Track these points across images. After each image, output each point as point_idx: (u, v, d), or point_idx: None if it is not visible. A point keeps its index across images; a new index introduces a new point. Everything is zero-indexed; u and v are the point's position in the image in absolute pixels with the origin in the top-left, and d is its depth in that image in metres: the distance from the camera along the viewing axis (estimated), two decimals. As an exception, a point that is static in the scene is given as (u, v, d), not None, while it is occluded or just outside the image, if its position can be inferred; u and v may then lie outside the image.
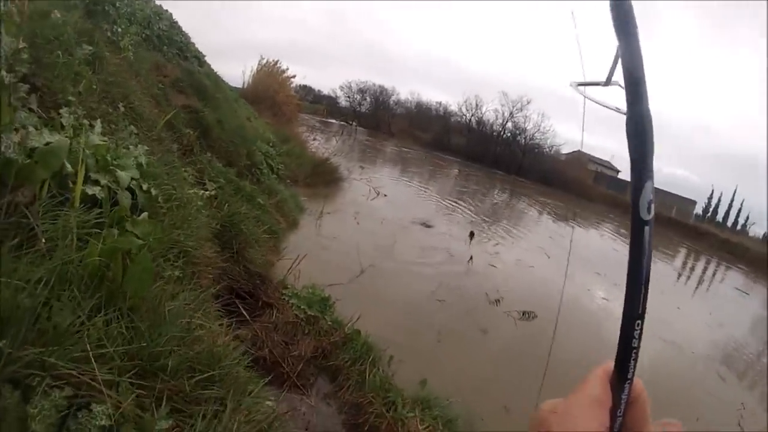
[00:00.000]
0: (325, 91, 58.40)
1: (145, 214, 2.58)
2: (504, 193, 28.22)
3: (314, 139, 17.16)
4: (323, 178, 11.51)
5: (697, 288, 18.27)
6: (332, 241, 7.55)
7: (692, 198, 56.06)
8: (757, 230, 62.29)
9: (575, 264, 11.79)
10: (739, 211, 65.48)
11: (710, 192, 66.67)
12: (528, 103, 48.10)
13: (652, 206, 0.36)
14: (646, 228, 0.36)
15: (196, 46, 16.78)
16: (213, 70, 15.38)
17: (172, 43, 10.28)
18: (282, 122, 18.92)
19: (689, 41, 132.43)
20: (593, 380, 0.46)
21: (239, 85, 23.68)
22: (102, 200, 2.45)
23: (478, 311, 6.75)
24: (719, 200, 66.50)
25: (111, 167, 2.73)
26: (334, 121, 44.45)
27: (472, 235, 8.73)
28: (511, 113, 48.86)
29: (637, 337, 0.41)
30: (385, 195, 12.81)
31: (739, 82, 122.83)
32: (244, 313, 4.22)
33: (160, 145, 4.53)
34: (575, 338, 7.07)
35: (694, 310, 12.45)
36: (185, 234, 3.11)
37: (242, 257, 4.45)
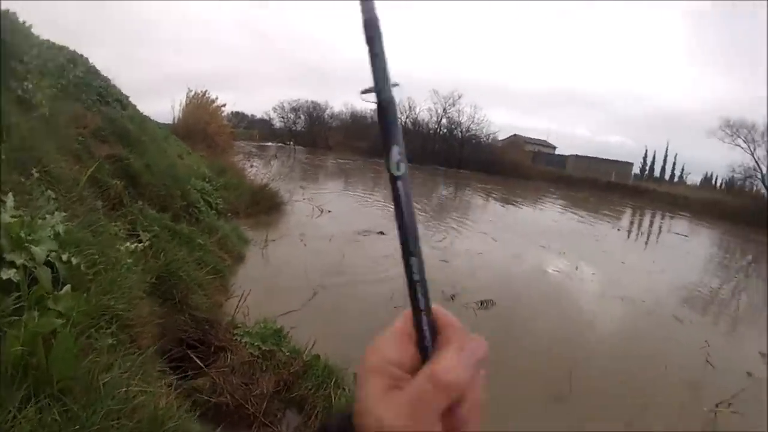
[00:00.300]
0: (259, 114, 57.91)
1: (67, 288, 2.49)
2: (449, 187, 28.66)
3: (252, 166, 16.92)
4: (264, 206, 11.36)
5: (639, 240, 19.18)
6: (281, 268, 7.48)
7: (629, 161, 58.17)
8: (693, 178, 65.79)
9: (521, 242, 12.23)
10: (674, 164, 69.20)
11: (644, 152, 70.24)
12: (459, 97, 49.60)
13: (401, 164, 0.40)
14: (399, 182, 0.40)
15: (119, 88, 16.33)
16: (138, 111, 14.96)
17: (90, 90, 9.89)
18: (217, 154, 18.61)
19: (606, 16, 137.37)
20: (402, 318, 0.47)
21: (170, 121, 23.20)
22: (19, 282, 2.35)
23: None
24: (654, 158, 70.19)
25: (26, 244, 2.62)
26: (271, 144, 44.14)
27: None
28: (444, 110, 50.31)
29: (416, 272, 0.42)
30: (329, 211, 12.80)
31: (656, 43, 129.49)
32: (198, 362, 4.14)
33: (83, 205, 4.36)
34: (537, 315, 7.31)
35: (639, 262, 13.00)
36: (115, 297, 3.01)
37: (186, 305, 4.35)
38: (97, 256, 3.21)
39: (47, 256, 2.66)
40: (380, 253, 8.82)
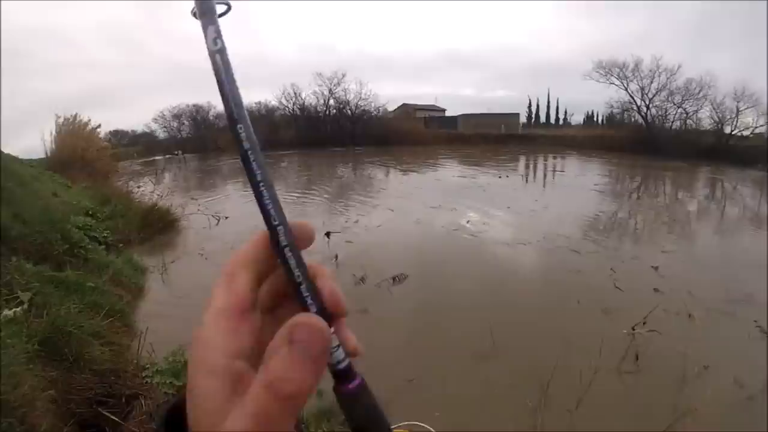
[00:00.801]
0: (140, 128, 54.89)
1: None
2: (346, 166, 28.67)
3: (139, 187, 16.06)
4: (157, 227, 10.84)
5: (536, 184, 20.29)
6: (186, 290, 7.20)
7: (516, 112, 61.27)
8: (577, 119, 70.58)
9: (421, 208, 12.56)
10: (557, 109, 73.96)
11: (528, 102, 74.42)
12: (343, 76, 49.38)
13: (218, 40, 0.39)
14: (217, 55, 0.40)
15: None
16: (1, 153, 13.80)
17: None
18: (100, 181, 17.54)
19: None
20: (222, 283, 0.41)
21: (43, 155, 21.62)
22: None
23: (350, 295, 6.82)
24: (538, 106, 74.69)
25: None
26: (159, 157, 42.06)
27: (328, 234, 8.72)
28: (330, 91, 49.88)
29: (260, 174, 0.40)
30: (226, 217, 12.41)
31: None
32: (114, 418, 3.93)
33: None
34: (450, 279, 7.52)
35: (537, 204, 13.71)
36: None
37: (83, 361, 4.09)
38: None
39: None
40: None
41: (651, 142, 36.68)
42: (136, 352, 4.84)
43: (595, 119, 66.78)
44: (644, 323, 5.74)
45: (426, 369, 5.07)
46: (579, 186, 17.87)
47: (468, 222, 11.19)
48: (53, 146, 21.60)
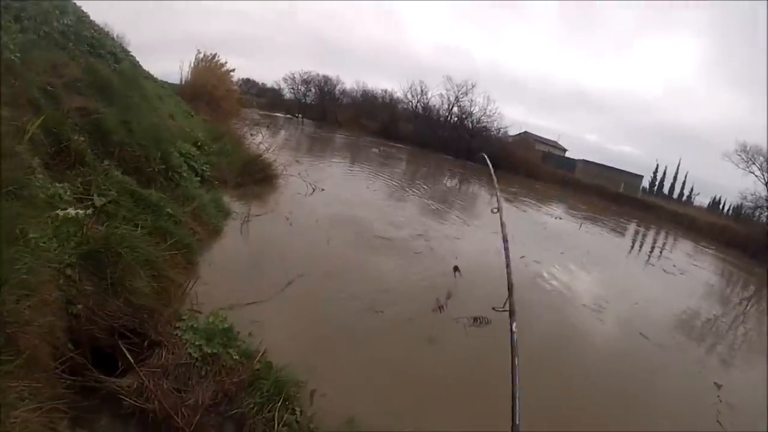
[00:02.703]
0: (270, 83, 57.21)
1: None
2: (454, 178, 27.85)
3: (253, 135, 16.17)
4: (255, 177, 10.63)
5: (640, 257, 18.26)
6: (259, 249, 6.79)
7: (639, 173, 57.33)
8: (701, 200, 65.11)
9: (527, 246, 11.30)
10: (684, 182, 68.65)
11: (655, 166, 69.64)
12: (473, 86, 48.17)
13: None
14: None
15: (117, 40, 15.63)
16: (136, 66, 14.30)
17: (80, 40, 9.22)
18: (220, 118, 17.99)
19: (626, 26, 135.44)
20: None
21: (178, 82, 22.64)
22: None
23: (425, 319, 5.99)
24: (664, 174, 69.52)
25: None
26: (280, 114, 43.45)
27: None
28: (456, 97, 48.96)
29: None
30: (323, 189, 12.04)
31: (673, 57, 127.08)
32: (129, 357, 3.48)
33: (11, 162, 3.67)
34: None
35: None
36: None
37: (123, 288, 3.66)
38: None
39: None
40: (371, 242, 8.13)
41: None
42: (182, 296, 4.39)
43: (721, 206, 61.18)
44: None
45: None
46: (685, 274, 15.87)
47: (564, 275, 9.97)
48: (188, 76, 22.55)
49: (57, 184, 4.37)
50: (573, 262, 11.29)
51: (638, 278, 12.55)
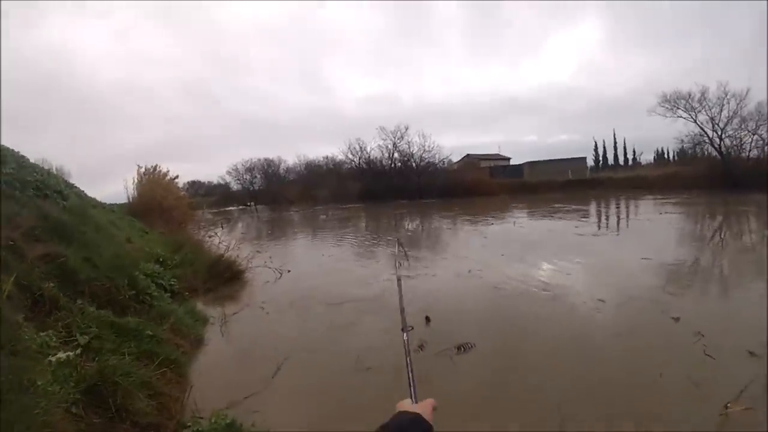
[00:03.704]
0: (215, 180, 58.22)
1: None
2: (414, 219, 28.55)
3: (210, 236, 16.45)
4: (222, 278, 10.93)
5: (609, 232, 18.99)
6: (243, 345, 7.04)
7: (582, 156, 60.10)
8: (647, 157, 67.69)
9: (498, 261, 11.68)
10: (625, 149, 71.48)
11: (594, 144, 72.52)
12: (406, 129, 51.78)
13: None
14: None
15: (59, 176, 15.92)
16: (81, 198, 14.58)
17: (25, 185, 9.51)
18: (175, 228, 18.27)
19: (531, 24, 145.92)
20: None
21: (125, 201, 22.96)
22: None
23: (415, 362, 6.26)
24: (604, 148, 72.34)
25: None
26: (233, 207, 44.05)
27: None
28: (394, 144, 52.16)
29: None
30: (289, 271, 12.45)
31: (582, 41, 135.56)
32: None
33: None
34: (518, 352, 6.61)
35: (615, 252, 12.60)
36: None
37: (127, 412, 3.94)
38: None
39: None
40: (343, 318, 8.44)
41: (729, 176, 34.77)
42: (181, 407, 4.65)
43: (666, 156, 63.67)
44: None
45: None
46: (654, 231, 16.61)
47: (545, 275, 10.40)
48: (134, 193, 22.91)
49: (41, 333, 4.63)
50: (546, 261, 11.81)
51: (615, 252, 13.18)
